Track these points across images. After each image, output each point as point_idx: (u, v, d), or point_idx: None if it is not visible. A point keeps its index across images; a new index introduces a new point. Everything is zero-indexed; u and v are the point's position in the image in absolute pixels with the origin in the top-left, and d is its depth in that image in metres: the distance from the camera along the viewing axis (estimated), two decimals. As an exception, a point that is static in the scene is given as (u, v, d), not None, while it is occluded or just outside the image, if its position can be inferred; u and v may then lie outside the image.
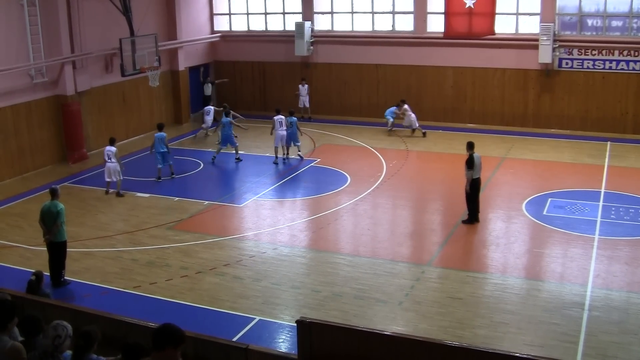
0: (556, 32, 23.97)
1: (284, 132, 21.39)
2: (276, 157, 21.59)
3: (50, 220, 12.85)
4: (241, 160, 21.82)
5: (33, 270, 11.37)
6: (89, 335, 6.57)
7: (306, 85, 26.97)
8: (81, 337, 6.55)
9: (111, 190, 18.71)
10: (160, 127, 20.06)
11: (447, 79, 26.00)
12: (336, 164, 21.14)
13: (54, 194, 13.07)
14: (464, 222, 15.90)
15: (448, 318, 11.58)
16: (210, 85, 27.90)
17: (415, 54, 26.17)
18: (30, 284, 10.76)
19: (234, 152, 21.89)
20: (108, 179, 18.53)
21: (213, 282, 13.15)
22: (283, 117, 21.48)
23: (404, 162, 21.17)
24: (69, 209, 17.24)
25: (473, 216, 15.86)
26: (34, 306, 8.66)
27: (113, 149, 18.48)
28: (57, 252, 13.08)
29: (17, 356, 6.25)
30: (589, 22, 24.16)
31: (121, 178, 18.58)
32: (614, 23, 23.79)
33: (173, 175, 20.05)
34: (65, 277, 13.21)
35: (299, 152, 21.95)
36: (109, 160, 18.38)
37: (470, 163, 15.51)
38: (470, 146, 15.73)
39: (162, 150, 19.62)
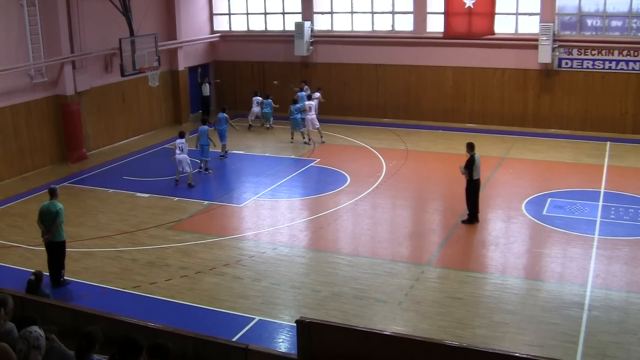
0: (556, 32, 23.96)
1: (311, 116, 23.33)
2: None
3: (49, 220, 12.83)
4: (226, 157, 22.18)
5: (33, 270, 11.37)
6: (91, 336, 6.56)
7: (306, 87, 26.84)
8: (83, 338, 6.54)
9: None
10: (203, 122, 20.95)
11: (446, 79, 26.00)
12: (336, 163, 21.15)
13: (52, 193, 13.05)
14: (463, 222, 15.90)
15: (448, 318, 11.58)
16: (208, 85, 27.91)
17: (415, 54, 26.17)
18: (29, 284, 10.75)
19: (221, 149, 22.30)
20: (180, 169, 19.19)
21: (213, 282, 13.16)
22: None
23: (404, 162, 21.17)
24: (69, 209, 17.25)
25: (473, 216, 15.86)
26: (33, 306, 8.67)
27: (184, 140, 19.13)
28: (57, 252, 13.07)
29: (5, 357, 6.19)
30: (589, 22, 24.16)
31: (191, 170, 19.27)
32: (614, 23, 23.79)
33: (203, 170, 20.57)
34: (65, 277, 13.21)
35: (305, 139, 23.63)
36: (181, 152, 19.00)
37: (470, 164, 15.46)
38: (471, 147, 15.66)
39: (202, 143, 20.32)
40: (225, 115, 22.14)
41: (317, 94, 25.68)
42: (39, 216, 13.03)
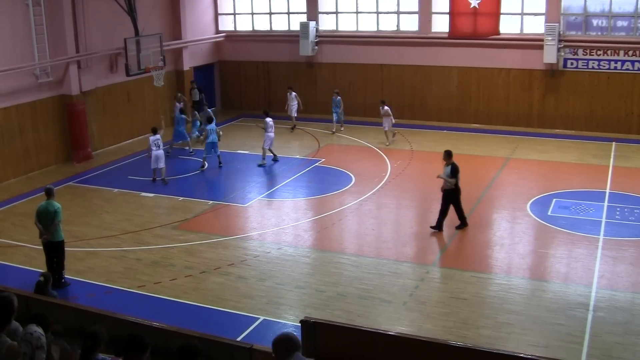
0: (561, 32, 23.91)
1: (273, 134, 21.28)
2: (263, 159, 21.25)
3: (47, 220, 12.78)
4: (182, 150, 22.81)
5: (39, 271, 11.41)
6: (96, 336, 6.57)
7: (294, 94, 26.08)
8: (88, 337, 6.56)
9: (158, 178, 19.72)
10: (210, 120, 21.11)
11: (451, 79, 25.97)
12: (340, 164, 21.14)
13: (49, 193, 13.03)
14: (457, 227, 15.63)
15: (452, 318, 11.57)
16: (197, 91, 27.32)
17: (420, 54, 26.14)
18: (38, 285, 10.81)
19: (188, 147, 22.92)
20: (155, 166, 19.53)
21: (217, 282, 13.17)
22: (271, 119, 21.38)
23: (409, 162, 21.16)
24: (74, 208, 17.36)
25: (441, 223, 15.48)
26: (39, 306, 8.69)
27: (159, 136, 19.63)
28: (56, 252, 13.04)
29: (14, 357, 6.19)
30: (594, 22, 24.11)
31: (165, 166, 19.73)
32: (619, 23, 23.73)
33: (220, 165, 20.95)
34: (65, 278, 13.15)
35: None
36: (159, 148, 19.40)
37: (455, 172, 15.29)
38: (450, 155, 15.45)
39: (211, 141, 20.52)
40: (184, 117, 22.51)
41: (387, 108, 23.53)
42: (36, 216, 12.97)
